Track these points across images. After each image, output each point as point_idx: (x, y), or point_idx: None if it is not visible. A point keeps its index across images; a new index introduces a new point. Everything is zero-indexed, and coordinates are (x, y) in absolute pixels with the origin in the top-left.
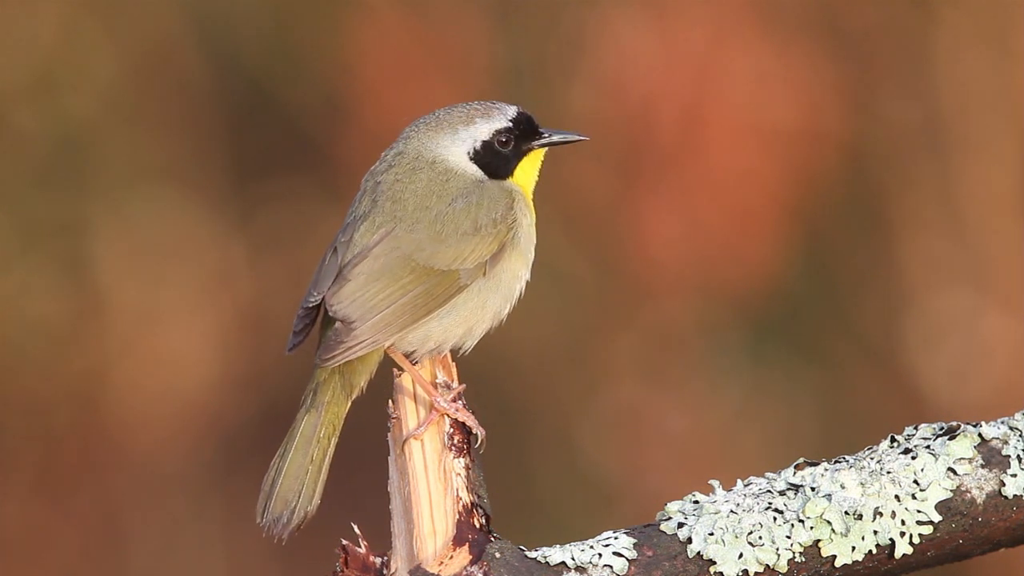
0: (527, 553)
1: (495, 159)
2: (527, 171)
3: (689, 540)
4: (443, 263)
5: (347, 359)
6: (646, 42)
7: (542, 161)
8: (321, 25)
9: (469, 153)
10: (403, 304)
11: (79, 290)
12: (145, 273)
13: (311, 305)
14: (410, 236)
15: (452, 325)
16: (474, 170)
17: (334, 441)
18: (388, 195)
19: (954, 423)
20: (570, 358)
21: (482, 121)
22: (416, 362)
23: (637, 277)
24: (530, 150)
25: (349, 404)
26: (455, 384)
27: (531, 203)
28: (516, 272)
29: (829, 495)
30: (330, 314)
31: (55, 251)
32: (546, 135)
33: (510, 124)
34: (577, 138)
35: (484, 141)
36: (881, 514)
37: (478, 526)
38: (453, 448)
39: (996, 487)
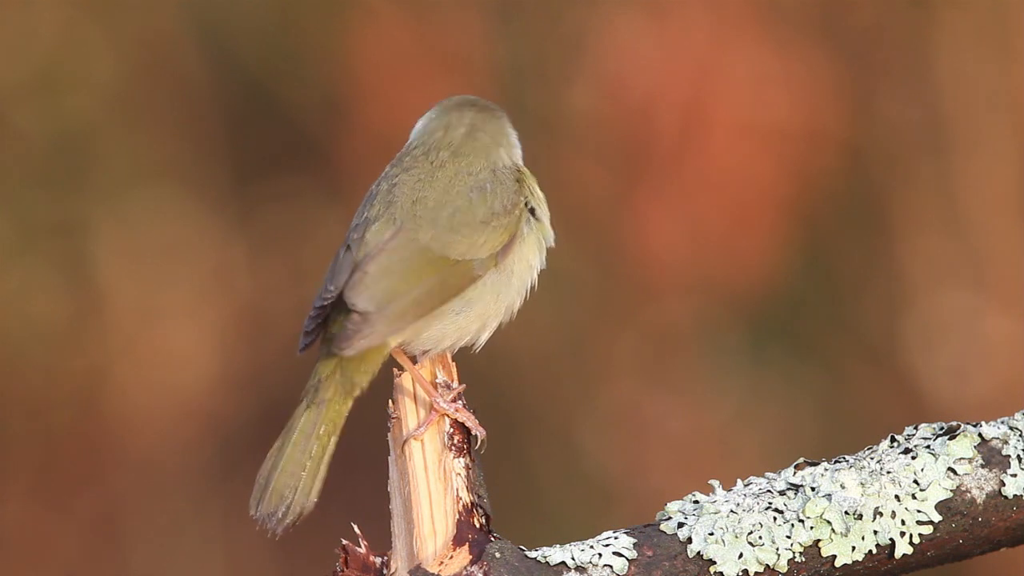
0: (527, 553)
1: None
2: None
3: (689, 540)
4: (457, 253)
5: (363, 348)
6: (646, 42)
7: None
8: (321, 25)
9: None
10: (419, 295)
11: (79, 290)
12: (145, 273)
13: (324, 303)
14: (425, 230)
15: (467, 321)
16: (518, 155)
17: (334, 439)
18: (407, 195)
19: (954, 423)
20: (570, 358)
21: (506, 118)
22: (417, 362)
23: (637, 277)
24: None
25: (351, 403)
26: (455, 384)
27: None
28: (529, 261)
29: (829, 495)
30: (348, 306)
31: (55, 251)
32: None
33: None
34: None
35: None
36: (881, 514)
37: (478, 526)
38: (453, 448)
39: (996, 487)
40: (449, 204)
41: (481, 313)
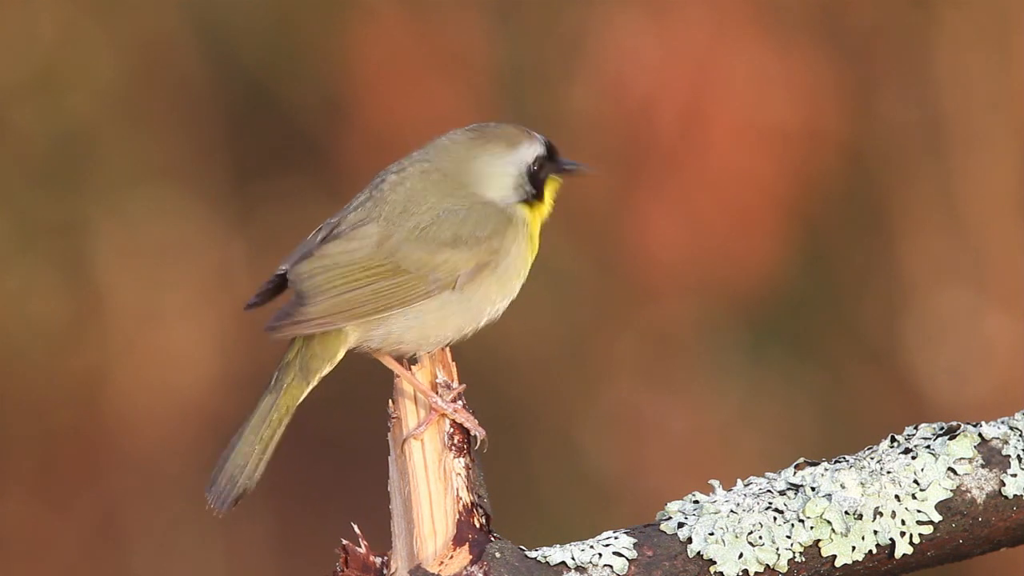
0: (527, 553)
1: (531, 185)
2: (547, 199)
3: (689, 540)
4: (412, 265)
5: (293, 334)
6: (646, 42)
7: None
8: (321, 25)
9: (516, 176)
10: (361, 293)
11: (79, 290)
12: (145, 273)
13: (279, 273)
14: (387, 231)
15: (412, 328)
16: (509, 195)
17: (286, 422)
18: (385, 194)
19: (954, 423)
20: (570, 358)
21: (527, 145)
22: (416, 362)
23: (637, 277)
24: (548, 178)
25: (308, 389)
26: (455, 384)
27: (536, 233)
28: (489, 296)
29: (829, 495)
30: (289, 284)
31: (55, 251)
32: (563, 164)
33: (544, 150)
34: (588, 170)
35: (528, 164)
36: (881, 514)
37: (478, 526)
38: (453, 448)
39: (996, 487)
40: (416, 216)
41: (425, 327)
